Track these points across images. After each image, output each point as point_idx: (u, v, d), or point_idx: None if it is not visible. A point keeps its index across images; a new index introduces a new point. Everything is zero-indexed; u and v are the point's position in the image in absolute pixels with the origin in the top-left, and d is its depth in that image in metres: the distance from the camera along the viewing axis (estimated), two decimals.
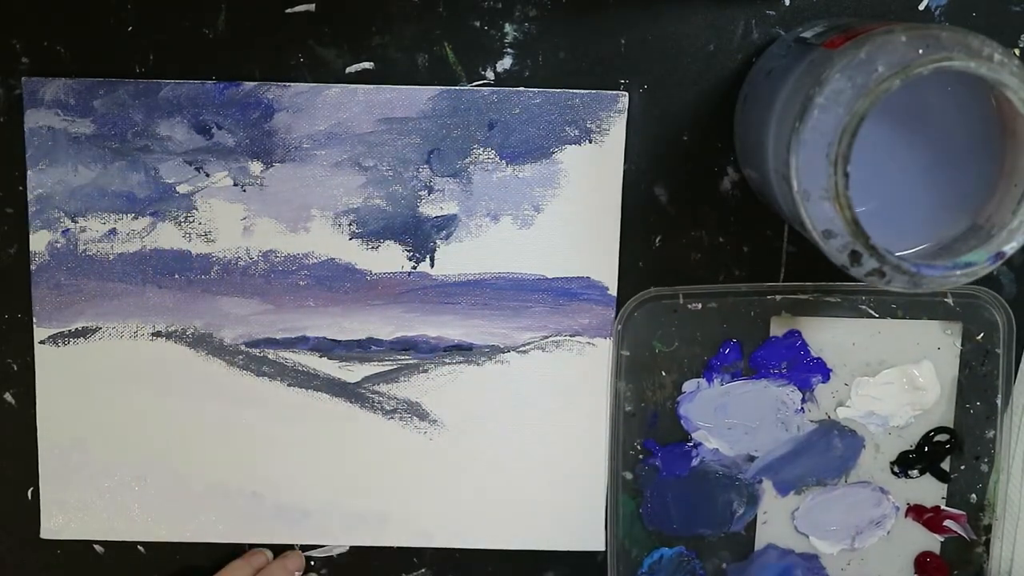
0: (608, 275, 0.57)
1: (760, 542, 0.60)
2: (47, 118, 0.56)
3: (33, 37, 0.55)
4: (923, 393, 0.58)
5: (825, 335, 0.58)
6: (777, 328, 0.58)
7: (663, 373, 0.58)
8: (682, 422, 0.59)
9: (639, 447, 0.59)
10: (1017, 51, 0.56)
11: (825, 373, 0.58)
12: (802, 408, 0.58)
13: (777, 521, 0.60)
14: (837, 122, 0.43)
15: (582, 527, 0.60)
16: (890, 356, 0.58)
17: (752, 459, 0.59)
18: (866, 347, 0.58)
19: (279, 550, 0.60)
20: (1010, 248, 0.46)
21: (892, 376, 0.58)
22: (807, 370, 0.58)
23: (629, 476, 0.59)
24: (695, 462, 0.59)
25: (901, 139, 0.48)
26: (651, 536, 0.60)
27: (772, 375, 0.58)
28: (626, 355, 0.58)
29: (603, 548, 0.60)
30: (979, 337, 0.58)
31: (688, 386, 0.58)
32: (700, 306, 0.57)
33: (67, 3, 0.55)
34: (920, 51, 0.43)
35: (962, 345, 0.58)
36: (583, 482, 0.59)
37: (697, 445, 0.59)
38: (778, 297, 0.57)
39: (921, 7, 0.56)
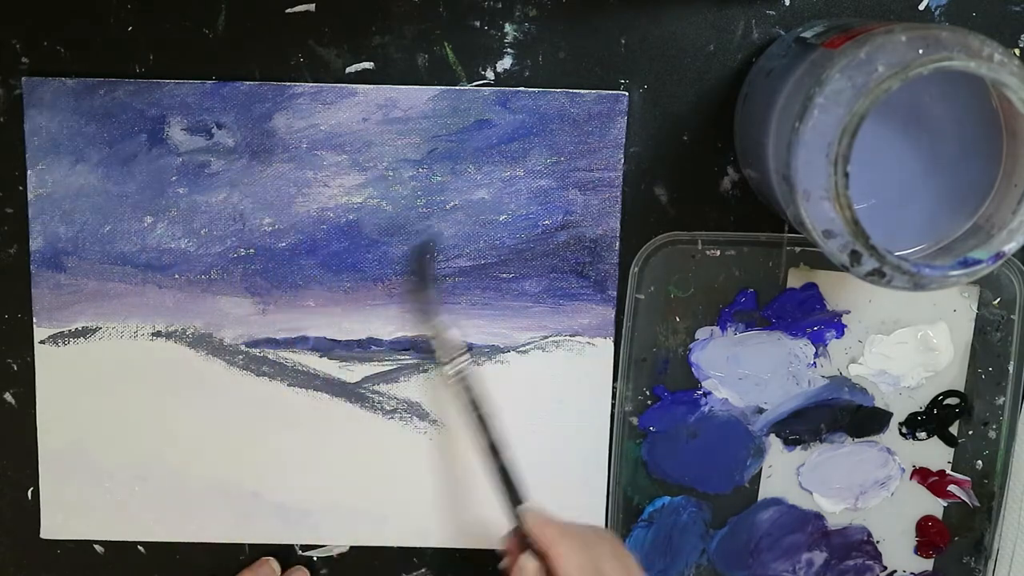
0: (608, 275, 0.57)
1: (763, 496, 0.60)
2: (47, 118, 0.56)
3: (33, 37, 0.55)
4: (936, 355, 0.58)
5: (842, 290, 0.57)
6: (795, 280, 0.57)
7: (677, 319, 0.58)
8: (693, 370, 0.58)
9: (648, 392, 0.58)
10: (1017, 51, 0.56)
11: (839, 329, 0.58)
12: (814, 363, 0.58)
13: (782, 476, 0.59)
14: (837, 122, 0.43)
15: None
16: (906, 315, 0.57)
17: (761, 411, 0.59)
18: (882, 305, 0.57)
19: (279, 550, 0.60)
20: (1010, 248, 0.46)
21: (906, 336, 0.58)
22: (822, 324, 0.57)
23: (636, 422, 0.59)
24: (703, 411, 0.59)
25: (901, 139, 0.48)
26: (654, 484, 0.59)
27: (786, 327, 0.58)
28: (640, 299, 0.57)
29: None
30: (996, 303, 0.57)
31: (701, 333, 0.58)
32: (718, 253, 0.57)
33: (67, 3, 0.55)
34: (920, 51, 0.43)
35: (978, 309, 0.58)
36: (583, 481, 0.59)
37: (707, 394, 0.58)
38: (797, 249, 0.57)
39: (921, 7, 0.56)
